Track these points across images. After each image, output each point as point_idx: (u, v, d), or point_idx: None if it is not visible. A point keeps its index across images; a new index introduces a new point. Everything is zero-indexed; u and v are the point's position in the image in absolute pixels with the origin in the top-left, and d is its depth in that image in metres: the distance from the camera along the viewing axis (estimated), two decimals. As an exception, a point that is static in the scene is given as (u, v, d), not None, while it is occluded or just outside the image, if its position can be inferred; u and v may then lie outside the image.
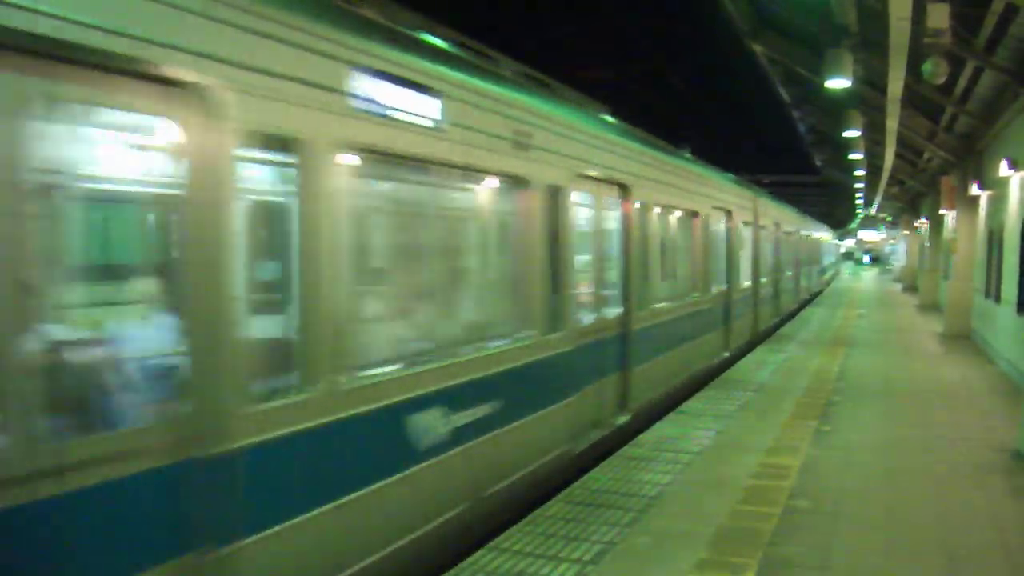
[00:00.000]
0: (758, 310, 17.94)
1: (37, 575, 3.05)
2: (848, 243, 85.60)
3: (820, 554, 5.38)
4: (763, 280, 18.54)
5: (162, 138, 3.67)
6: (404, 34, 5.43)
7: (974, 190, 17.05)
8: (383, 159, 5.03)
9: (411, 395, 5.09)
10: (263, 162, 4.35)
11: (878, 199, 38.84)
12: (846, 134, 17.90)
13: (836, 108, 18.37)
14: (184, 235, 3.67)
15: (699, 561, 5.20)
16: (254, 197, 4.29)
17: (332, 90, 4.43)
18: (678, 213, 11.43)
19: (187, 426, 3.59)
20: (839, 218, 66.21)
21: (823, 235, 42.16)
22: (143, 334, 3.90)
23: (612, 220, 8.94)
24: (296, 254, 4.31)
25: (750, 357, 14.64)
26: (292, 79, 4.15)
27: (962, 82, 13.85)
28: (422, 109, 5.25)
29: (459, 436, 5.61)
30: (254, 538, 3.86)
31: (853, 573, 5.13)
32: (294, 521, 4.13)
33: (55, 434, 3.10)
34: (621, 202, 9.02)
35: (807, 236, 31.15)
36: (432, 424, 5.32)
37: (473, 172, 5.98)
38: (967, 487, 6.96)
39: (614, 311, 8.83)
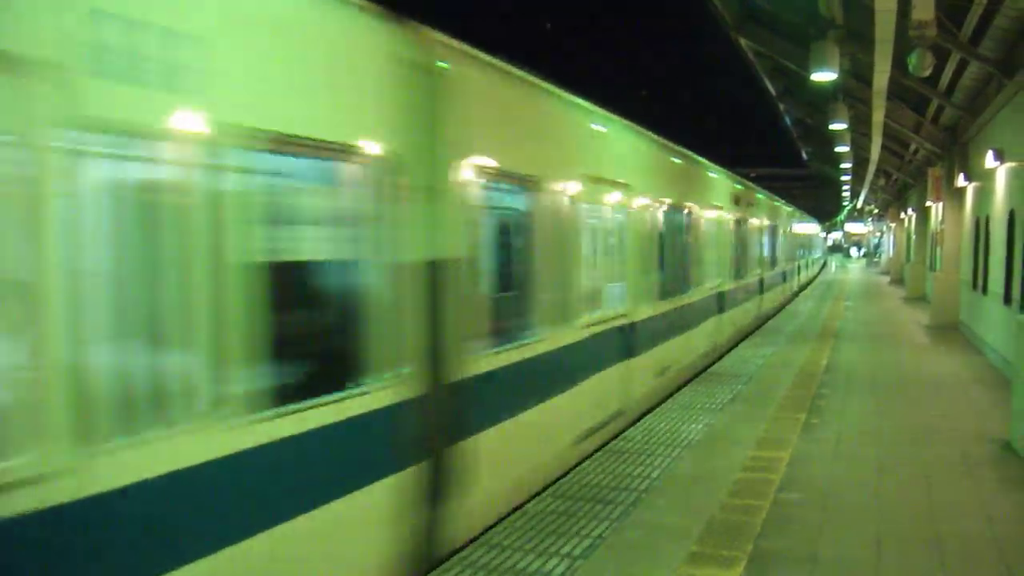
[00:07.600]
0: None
1: None
2: (835, 235, 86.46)
3: (809, 547, 5.38)
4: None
5: None
6: None
7: (960, 181, 17.14)
8: None
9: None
10: None
11: (865, 191, 39.06)
12: (832, 127, 17.99)
13: (822, 101, 18.43)
14: None
15: (689, 554, 5.19)
16: None
17: None
18: None
19: None
20: (826, 211, 66.68)
21: (803, 226, 33.12)
22: None
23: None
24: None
25: (739, 351, 14.66)
26: None
27: (947, 74, 13.92)
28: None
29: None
30: None
31: (842, 565, 5.12)
32: None
33: None
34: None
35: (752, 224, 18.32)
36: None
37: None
38: (956, 478, 6.99)
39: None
